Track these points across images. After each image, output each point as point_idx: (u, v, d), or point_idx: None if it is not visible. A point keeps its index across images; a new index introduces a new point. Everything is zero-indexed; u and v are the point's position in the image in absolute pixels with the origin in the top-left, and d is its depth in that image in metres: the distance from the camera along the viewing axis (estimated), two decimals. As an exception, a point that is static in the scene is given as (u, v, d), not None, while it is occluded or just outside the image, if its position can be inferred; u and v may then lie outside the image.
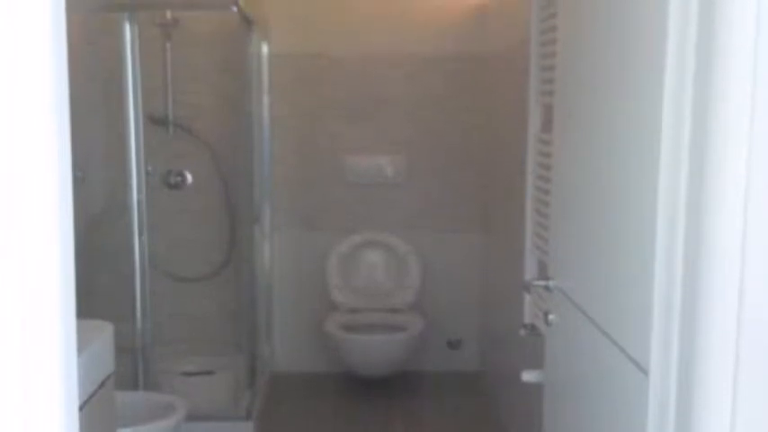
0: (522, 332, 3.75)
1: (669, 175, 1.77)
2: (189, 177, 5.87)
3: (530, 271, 4.05)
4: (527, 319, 4.00)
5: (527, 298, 4.00)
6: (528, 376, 3.21)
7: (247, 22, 5.34)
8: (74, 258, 1.41)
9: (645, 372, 1.89)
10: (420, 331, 5.73)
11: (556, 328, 2.82)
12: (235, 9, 4.93)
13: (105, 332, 3.25)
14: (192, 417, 4.26)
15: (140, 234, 4.74)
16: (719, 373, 1.63)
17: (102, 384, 3.10)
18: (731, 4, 1.54)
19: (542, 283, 2.91)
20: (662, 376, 1.83)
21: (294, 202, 6.21)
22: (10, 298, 1.30)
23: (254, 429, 5.01)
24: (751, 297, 1.59)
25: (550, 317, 2.83)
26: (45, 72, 1.30)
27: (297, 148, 6.14)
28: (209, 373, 5.53)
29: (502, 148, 5.30)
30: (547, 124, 3.73)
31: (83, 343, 1.85)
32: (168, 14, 5.65)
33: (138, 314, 4.79)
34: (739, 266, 1.58)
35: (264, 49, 5.96)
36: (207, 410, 4.96)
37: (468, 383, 6.20)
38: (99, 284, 5.27)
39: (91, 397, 2.95)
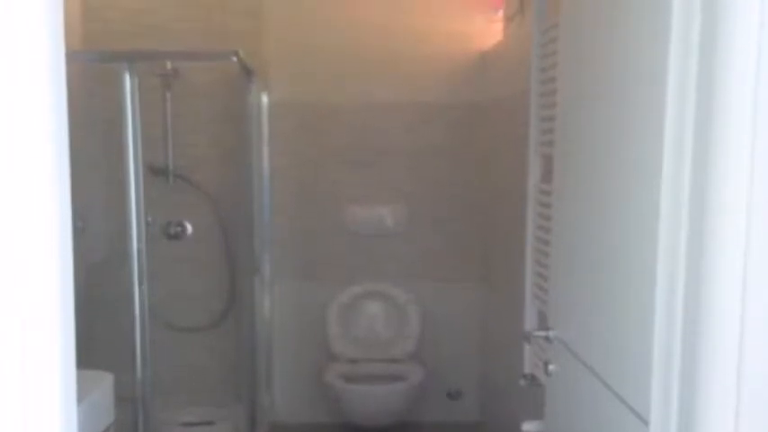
0: (523, 382, 3.75)
1: (669, 227, 1.78)
2: (189, 228, 5.88)
3: (530, 321, 4.04)
4: (527, 370, 3.99)
5: (527, 348, 3.99)
6: (528, 427, 3.20)
7: (247, 72, 5.36)
8: (74, 308, 1.41)
9: (645, 422, 1.89)
10: (420, 381, 5.71)
11: (556, 378, 2.81)
12: (234, 59, 4.95)
13: (105, 382, 3.24)
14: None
15: (140, 284, 4.72)
16: (720, 424, 1.62)
17: (101, 435, 3.09)
18: (732, 58, 1.55)
19: (542, 333, 2.91)
20: (662, 427, 1.82)
21: (294, 253, 6.20)
22: (10, 349, 1.30)
23: (253, 481, 4.99)
24: (751, 348, 1.59)
25: (550, 367, 2.83)
26: (45, 122, 1.30)
27: (297, 198, 6.15)
28: (209, 423, 5.51)
29: (502, 197, 5.30)
30: (547, 174, 3.73)
31: (83, 393, 1.85)
32: (168, 65, 5.68)
33: (138, 364, 4.76)
34: (739, 318, 1.59)
35: (264, 98, 5.98)
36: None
37: (468, 434, 6.17)
38: (99, 334, 5.27)
39: (90, 447, 2.94)
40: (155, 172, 5.65)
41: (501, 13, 5.58)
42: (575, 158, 2.63)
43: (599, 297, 2.31)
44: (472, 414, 6.31)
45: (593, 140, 2.38)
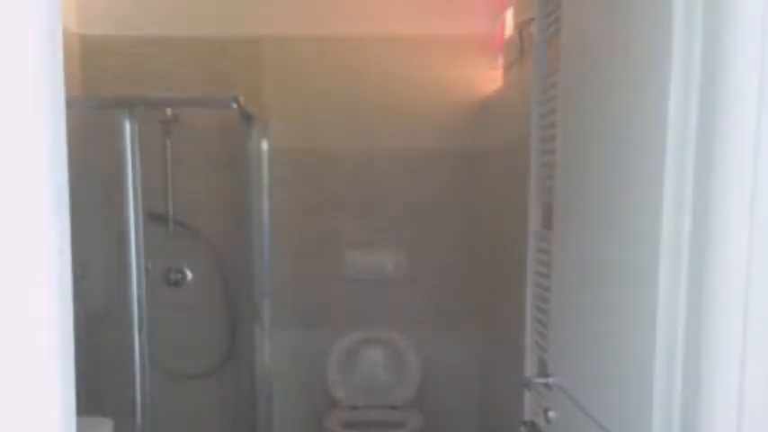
0: (523, 429, 3.72)
1: (669, 274, 1.78)
2: (189, 274, 5.88)
3: (530, 368, 4.03)
4: (527, 417, 3.96)
5: (527, 395, 3.98)
6: (529, 474, 3.19)
7: (247, 118, 5.37)
8: (74, 355, 1.41)
9: (646, 470, 1.88)
10: (420, 428, 5.67)
11: (556, 425, 2.80)
12: (234, 105, 4.97)
13: (105, 429, 3.24)
14: None
15: (140, 331, 4.72)
16: (721, 472, 1.62)
17: (100, 482, 3.08)
18: (732, 105, 1.55)
19: (542, 380, 2.90)
20: (663, 474, 1.81)
21: (294, 299, 6.18)
22: (10, 396, 1.29)
23: None
24: (751, 397, 1.58)
25: (550, 414, 2.82)
26: (44, 169, 1.30)
27: (297, 244, 6.14)
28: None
29: (502, 244, 5.29)
30: (547, 221, 3.73)
31: (81, 441, 1.85)
32: (168, 111, 5.69)
33: (138, 410, 4.75)
34: (739, 365, 1.58)
35: (264, 144, 5.97)
36: None
37: (468, 481, 6.14)
38: (99, 381, 5.25)
39: (89, 495, 2.93)
40: (154, 218, 5.66)
41: (501, 60, 5.59)
42: (574, 205, 2.63)
43: (599, 344, 2.30)
44: (473, 461, 6.29)
45: (593, 187, 2.38)
